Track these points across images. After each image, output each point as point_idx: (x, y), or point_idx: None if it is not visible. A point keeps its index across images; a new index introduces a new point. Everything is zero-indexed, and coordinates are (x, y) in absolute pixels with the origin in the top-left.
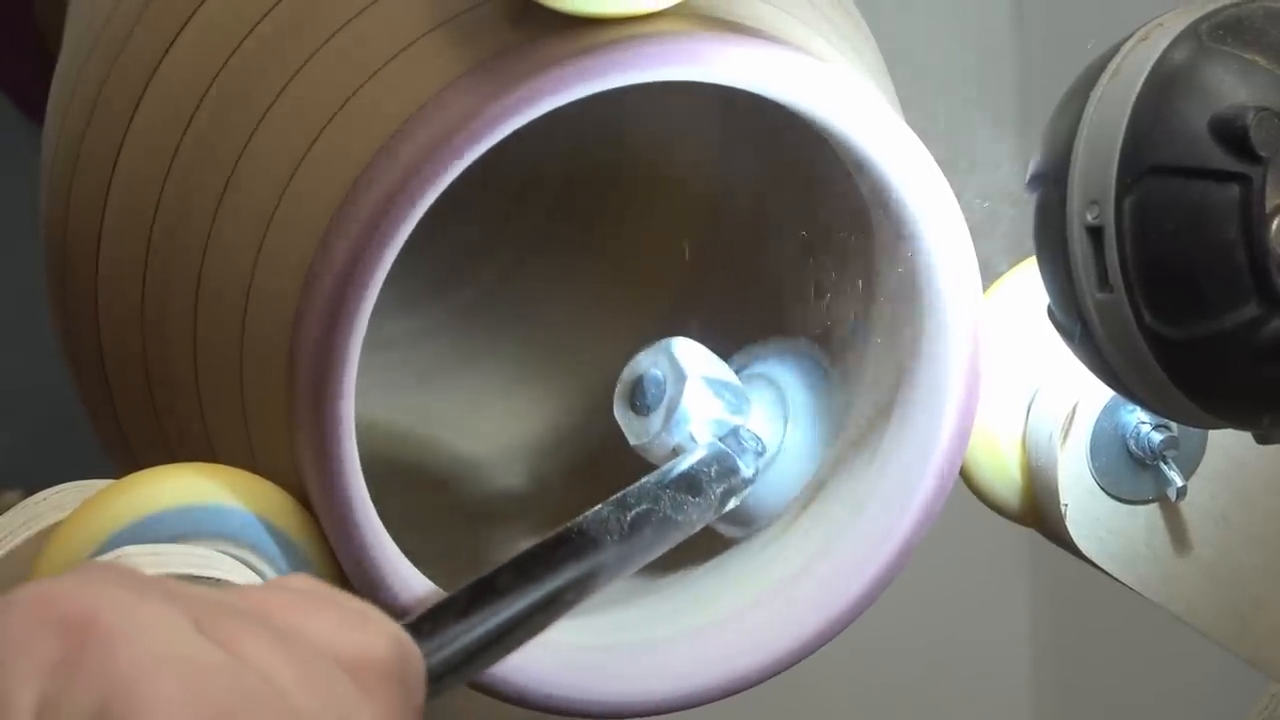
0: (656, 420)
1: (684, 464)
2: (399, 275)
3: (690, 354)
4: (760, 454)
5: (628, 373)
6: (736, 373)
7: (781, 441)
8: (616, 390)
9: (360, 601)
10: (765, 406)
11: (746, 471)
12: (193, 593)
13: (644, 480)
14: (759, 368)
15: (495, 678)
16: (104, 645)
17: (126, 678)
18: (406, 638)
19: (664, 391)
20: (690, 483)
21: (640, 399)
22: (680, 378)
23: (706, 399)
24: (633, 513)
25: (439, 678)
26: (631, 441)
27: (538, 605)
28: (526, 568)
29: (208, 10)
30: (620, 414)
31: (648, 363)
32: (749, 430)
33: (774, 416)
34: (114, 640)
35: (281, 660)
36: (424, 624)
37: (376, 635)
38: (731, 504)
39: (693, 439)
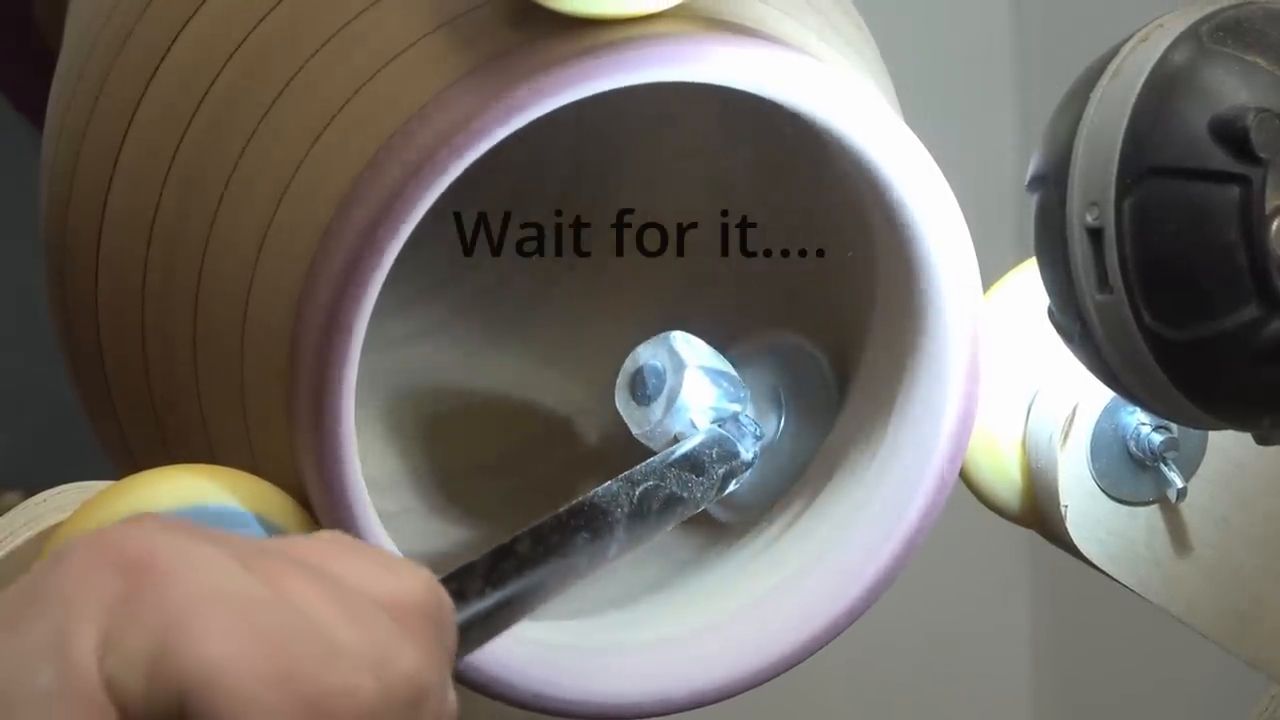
0: (657, 409)
1: (686, 446)
2: (399, 275)
3: (688, 346)
4: (759, 438)
5: (628, 364)
6: (733, 366)
7: (777, 433)
8: (618, 382)
9: (389, 553)
10: (760, 399)
11: (746, 455)
12: (237, 539)
13: (649, 460)
14: (755, 362)
15: (496, 679)
16: (160, 583)
17: (181, 612)
18: (439, 583)
19: (664, 382)
20: (693, 462)
21: (641, 390)
22: (679, 368)
23: (705, 388)
24: (640, 488)
25: (463, 634)
26: (634, 431)
27: (554, 571)
28: (544, 535)
29: (208, 10)
30: (622, 404)
31: (647, 354)
32: (747, 416)
33: (769, 409)
34: (169, 578)
35: (324, 598)
36: (449, 583)
37: (412, 579)
38: (732, 486)
39: (693, 426)
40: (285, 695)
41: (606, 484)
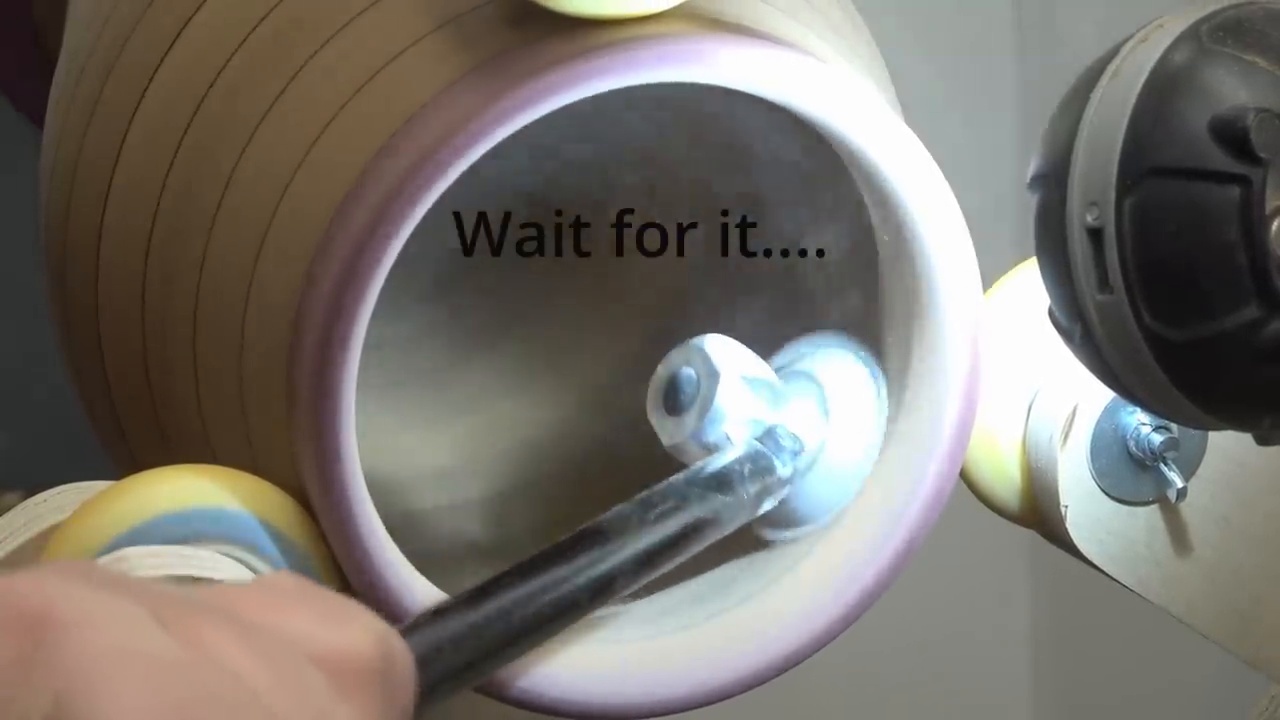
0: (690, 420)
1: (715, 463)
2: (398, 275)
3: (723, 351)
4: (797, 454)
5: (661, 370)
6: (776, 370)
7: (823, 442)
8: (649, 390)
9: (345, 599)
10: (805, 405)
11: (783, 471)
12: (157, 589)
13: (671, 480)
14: (800, 365)
15: (492, 678)
16: (59, 641)
17: (82, 674)
18: (391, 634)
19: (697, 390)
20: (720, 481)
21: (673, 399)
22: (713, 375)
23: (742, 396)
24: (656, 511)
25: (441, 681)
26: (665, 443)
27: (549, 608)
28: (538, 568)
29: (209, 10)
30: (653, 415)
31: (680, 361)
32: (786, 429)
33: (814, 416)
34: (69, 636)
35: (249, 657)
36: (424, 625)
37: (358, 632)
38: (767, 505)
39: (728, 438)
40: None
41: (618, 507)
